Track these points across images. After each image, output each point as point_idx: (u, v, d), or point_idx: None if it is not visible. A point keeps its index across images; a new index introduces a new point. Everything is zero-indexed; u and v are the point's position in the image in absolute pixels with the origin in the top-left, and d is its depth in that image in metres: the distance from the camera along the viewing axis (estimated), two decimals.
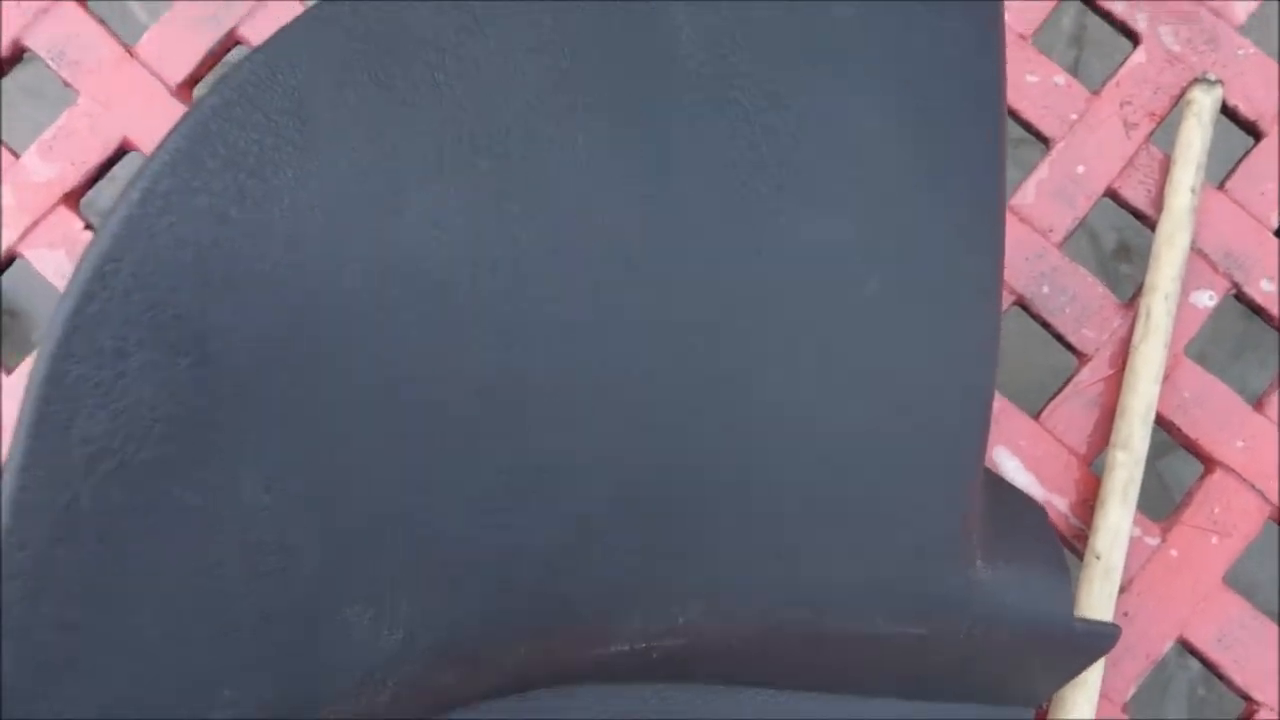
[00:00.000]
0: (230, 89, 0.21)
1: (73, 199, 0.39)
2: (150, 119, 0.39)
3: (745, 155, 0.24)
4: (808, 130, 0.24)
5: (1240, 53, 0.40)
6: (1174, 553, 0.38)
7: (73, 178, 0.39)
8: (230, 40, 0.40)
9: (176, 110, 0.39)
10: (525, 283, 0.22)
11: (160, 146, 0.21)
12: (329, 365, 0.22)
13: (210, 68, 0.40)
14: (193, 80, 0.40)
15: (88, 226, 0.39)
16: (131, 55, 0.40)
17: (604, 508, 0.23)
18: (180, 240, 0.21)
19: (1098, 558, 0.36)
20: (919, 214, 0.25)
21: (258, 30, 0.39)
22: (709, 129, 0.23)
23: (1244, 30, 0.41)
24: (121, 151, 0.40)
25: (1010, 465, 0.38)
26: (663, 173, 0.23)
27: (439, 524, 0.23)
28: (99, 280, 0.20)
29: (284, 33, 0.22)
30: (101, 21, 0.40)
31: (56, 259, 0.38)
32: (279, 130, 0.21)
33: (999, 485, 0.33)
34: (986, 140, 0.26)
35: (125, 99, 0.39)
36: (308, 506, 0.22)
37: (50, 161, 0.39)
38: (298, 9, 0.39)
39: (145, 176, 0.21)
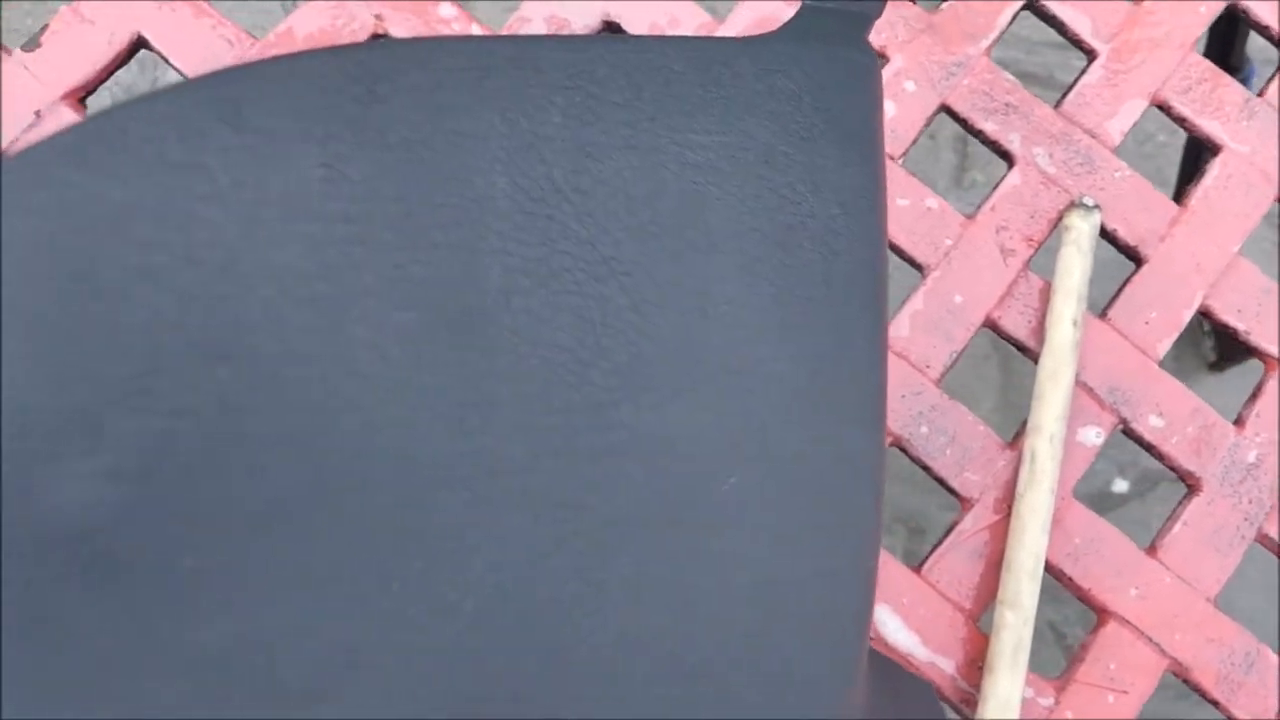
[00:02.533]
0: None
1: None
2: None
3: (574, 335, 0.20)
4: (650, 302, 0.20)
5: (1117, 174, 0.38)
6: (1069, 714, 0.35)
7: None
8: None
9: None
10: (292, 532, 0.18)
11: None
12: None
13: None
14: None
15: None
16: None
17: None
18: None
19: None
20: (785, 392, 0.21)
21: None
22: (528, 305, 0.19)
23: (1120, 151, 0.39)
24: None
25: (891, 624, 0.35)
26: (479, 363, 0.19)
27: None
28: None
29: None
30: None
31: None
32: None
33: (884, 663, 0.30)
34: (866, 307, 0.23)
35: None
36: None
37: None
38: None
39: None
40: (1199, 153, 0.81)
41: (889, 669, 0.29)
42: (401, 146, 0.19)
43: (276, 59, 0.18)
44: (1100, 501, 0.98)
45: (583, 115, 0.20)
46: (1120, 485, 1.00)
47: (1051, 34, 1.02)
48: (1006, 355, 1.00)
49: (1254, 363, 0.95)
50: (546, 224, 0.20)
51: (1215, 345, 0.97)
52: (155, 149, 0.17)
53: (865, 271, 0.22)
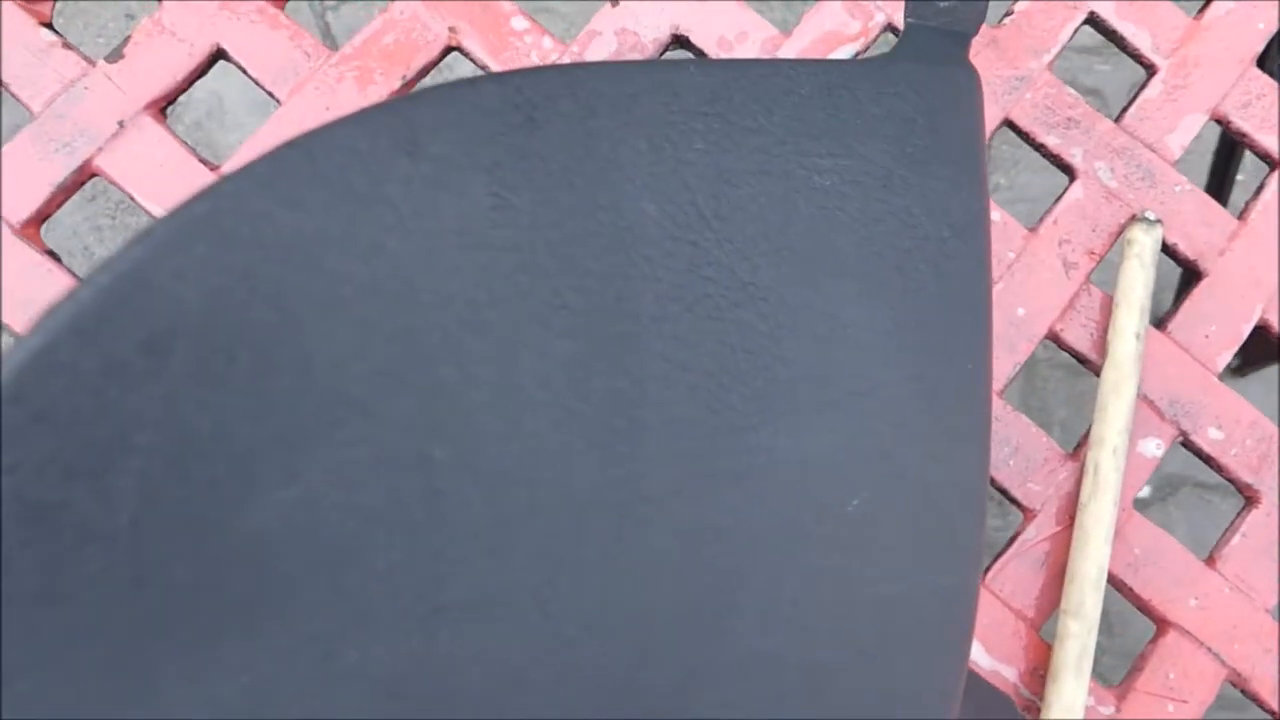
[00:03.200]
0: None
1: None
2: None
3: (716, 360, 0.20)
4: (784, 326, 0.21)
5: (1177, 189, 0.38)
6: None
7: None
8: (85, 173, 0.35)
9: (17, 252, 0.35)
10: (446, 546, 0.18)
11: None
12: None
13: (61, 204, 0.35)
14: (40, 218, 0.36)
15: None
16: None
17: None
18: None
19: None
20: (902, 413, 0.22)
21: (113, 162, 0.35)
22: (676, 331, 0.20)
23: (1179, 166, 0.39)
24: None
25: None
26: (630, 391, 0.19)
27: None
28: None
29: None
30: None
31: None
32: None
33: (970, 677, 0.30)
34: (974, 328, 0.23)
35: None
36: None
37: None
38: (162, 135, 0.35)
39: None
40: (1228, 163, 0.81)
41: (972, 681, 0.29)
42: (560, 173, 0.19)
43: (443, 86, 0.19)
44: None
45: (721, 141, 0.21)
46: (1142, 491, 1.00)
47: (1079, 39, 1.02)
48: (1032, 362, 1.01)
49: (1275, 368, 0.96)
50: (691, 250, 0.20)
51: (1238, 350, 0.97)
52: (342, 180, 0.18)
53: (973, 293, 0.23)
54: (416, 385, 0.18)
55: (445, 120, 0.18)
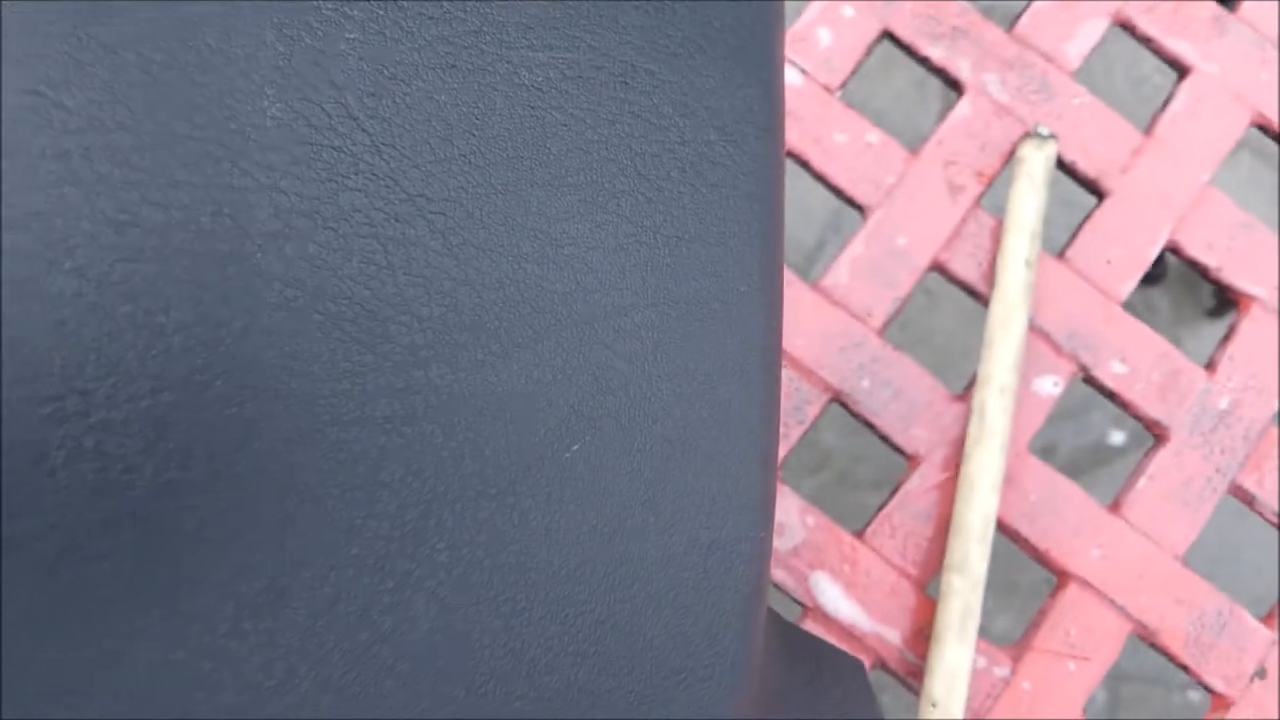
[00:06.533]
0: None
1: None
2: None
3: (368, 285, 0.17)
4: (470, 245, 0.18)
5: (1076, 101, 0.35)
6: (1026, 684, 0.32)
7: None
8: None
9: None
10: None
11: None
12: None
13: None
14: None
15: None
16: None
17: None
18: None
19: (934, 705, 0.31)
20: (643, 344, 0.19)
21: None
22: (305, 251, 0.17)
23: (1079, 76, 0.36)
24: None
25: (831, 594, 0.32)
26: (234, 320, 0.16)
27: None
28: None
29: None
30: None
31: None
32: None
33: (804, 639, 0.27)
34: (750, 243, 0.20)
35: None
36: None
37: None
38: None
39: None
40: None
41: (810, 644, 0.26)
42: (138, 68, 0.16)
43: None
44: (1096, 454, 0.96)
45: (388, 30, 0.17)
46: (1117, 438, 0.97)
47: None
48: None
49: None
50: (334, 156, 0.17)
51: (1214, 291, 0.93)
52: None
53: (750, 205, 0.20)
54: None
55: None
